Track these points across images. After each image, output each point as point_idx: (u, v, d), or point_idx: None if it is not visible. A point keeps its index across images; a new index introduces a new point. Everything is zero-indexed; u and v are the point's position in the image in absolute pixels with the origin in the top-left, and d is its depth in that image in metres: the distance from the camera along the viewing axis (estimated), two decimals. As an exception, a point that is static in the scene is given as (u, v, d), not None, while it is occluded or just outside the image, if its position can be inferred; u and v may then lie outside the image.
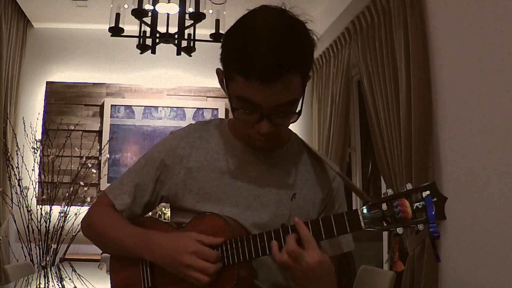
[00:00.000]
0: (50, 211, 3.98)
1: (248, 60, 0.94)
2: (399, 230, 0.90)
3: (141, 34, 3.04)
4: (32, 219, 3.92)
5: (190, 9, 2.98)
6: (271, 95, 0.95)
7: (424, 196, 0.90)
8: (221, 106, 4.48)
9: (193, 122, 1.23)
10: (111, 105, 4.42)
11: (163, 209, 3.84)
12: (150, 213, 1.26)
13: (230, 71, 0.99)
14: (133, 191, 1.15)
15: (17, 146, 4.08)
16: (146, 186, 1.15)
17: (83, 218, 1.21)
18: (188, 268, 0.98)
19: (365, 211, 0.92)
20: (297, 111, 1.02)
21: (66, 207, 4.05)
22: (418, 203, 0.90)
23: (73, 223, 4.05)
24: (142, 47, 3.07)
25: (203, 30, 3.21)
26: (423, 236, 2.50)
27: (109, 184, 4.41)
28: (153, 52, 3.09)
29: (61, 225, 3.99)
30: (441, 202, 0.90)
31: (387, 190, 0.92)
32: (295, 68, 0.96)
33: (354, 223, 0.92)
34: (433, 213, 0.88)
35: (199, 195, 1.10)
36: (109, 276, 1.19)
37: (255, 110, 0.99)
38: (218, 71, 1.08)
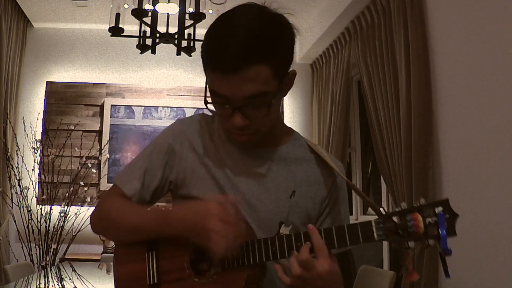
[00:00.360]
0: (50, 211, 3.98)
1: (214, 51, 0.96)
2: (411, 244, 0.91)
3: (141, 34, 3.04)
4: (32, 219, 3.92)
5: (190, 9, 2.98)
6: (235, 86, 0.95)
7: (437, 212, 0.91)
8: (221, 106, 4.48)
9: (205, 113, 1.23)
10: (111, 105, 4.42)
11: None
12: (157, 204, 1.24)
13: (204, 66, 1.01)
14: (143, 176, 1.14)
15: (17, 146, 4.09)
16: (155, 171, 1.14)
17: (92, 214, 1.18)
18: (211, 232, 0.95)
19: (378, 223, 0.94)
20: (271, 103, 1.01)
21: (66, 207, 4.05)
22: (430, 218, 0.91)
23: (73, 223, 4.05)
24: (142, 47, 3.06)
25: (203, 30, 3.16)
26: (423, 236, 2.50)
27: (109, 184, 4.39)
28: (153, 52, 3.09)
29: (61, 225, 3.99)
30: (452, 219, 0.91)
31: (401, 204, 0.93)
32: (261, 59, 0.95)
33: (367, 234, 0.94)
34: (445, 230, 0.89)
35: (205, 183, 1.11)
36: (109, 276, 1.18)
37: (226, 103, 0.99)
38: None
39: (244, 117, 0.99)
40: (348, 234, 0.94)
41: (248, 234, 1.04)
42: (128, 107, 4.44)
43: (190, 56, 3.23)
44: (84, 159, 4.28)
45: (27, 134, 4.22)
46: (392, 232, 0.92)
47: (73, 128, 4.32)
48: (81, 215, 4.05)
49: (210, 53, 0.97)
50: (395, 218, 0.93)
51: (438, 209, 0.91)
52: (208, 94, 1.04)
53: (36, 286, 2.31)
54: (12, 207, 3.91)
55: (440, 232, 0.89)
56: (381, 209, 0.95)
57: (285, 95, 1.09)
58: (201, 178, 1.11)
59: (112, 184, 1.20)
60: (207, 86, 1.03)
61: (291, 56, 1.03)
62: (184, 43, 3.17)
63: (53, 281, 2.48)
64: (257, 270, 1.04)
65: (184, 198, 1.13)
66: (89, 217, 1.21)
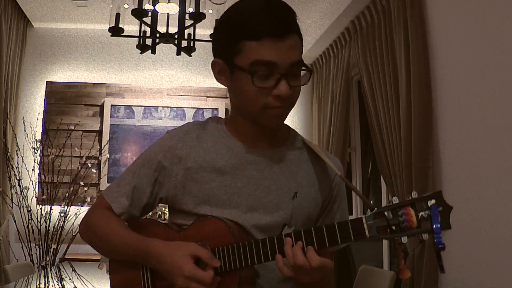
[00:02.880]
0: (50, 211, 3.98)
1: (257, 22, 0.99)
2: (404, 239, 0.89)
3: (141, 34, 3.04)
4: (32, 219, 3.92)
5: (190, 9, 2.98)
6: (284, 50, 1.00)
7: (429, 205, 0.89)
8: (221, 106, 4.48)
9: (196, 120, 1.22)
10: (111, 105, 4.42)
11: (163, 209, 3.84)
12: (150, 213, 1.25)
13: (238, 42, 1.01)
14: (131, 193, 1.13)
15: (17, 146, 4.08)
16: (144, 188, 1.13)
17: (81, 222, 1.20)
18: None
19: (369, 219, 0.91)
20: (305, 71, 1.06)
21: (66, 207, 4.05)
22: (423, 212, 0.89)
23: (73, 223, 4.04)
24: (142, 47, 3.06)
25: (203, 30, 3.20)
26: (423, 236, 2.50)
27: (108, 185, 4.39)
28: (153, 52, 3.09)
29: (61, 225, 3.99)
30: (446, 212, 0.89)
31: (392, 198, 0.91)
32: (295, 29, 1.03)
33: (358, 232, 0.92)
34: (438, 223, 0.87)
35: (198, 197, 1.09)
36: (109, 276, 1.19)
37: (272, 72, 1.00)
38: (214, 62, 1.09)
39: (289, 85, 1.02)
40: (339, 232, 0.93)
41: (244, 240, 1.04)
42: (128, 107, 4.44)
43: (190, 56, 3.23)
44: (84, 159, 4.28)
45: (27, 134, 4.22)
46: (384, 228, 0.91)
47: (73, 128, 4.32)
48: (81, 215, 4.04)
49: (252, 25, 1.00)
50: (387, 214, 0.91)
51: (431, 202, 0.89)
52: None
53: (36, 286, 2.30)
54: (12, 207, 3.90)
55: (433, 225, 0.87)
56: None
57: None
58: (193, 195, 1.09)
59: (108, 185, 1.21)
60: (240, 63, 1.02)
61: None
62: (184, 43, 3.17)
63: (53, 281, 2.48)
64: (251, 271, 1.04)
65: (180, 212, 1.13)
66: (78, 226, 1.22)
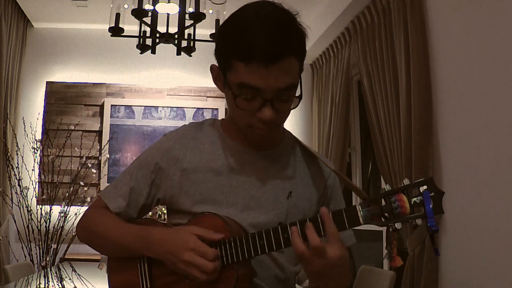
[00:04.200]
0: (50, 211, 3.98)
1: (248, 44, 0.95)
2: (398, 225, 0.91)
3: (141, 34, 3.04)
4: (32, 219, 3.92)
5: (190, 9, 2.98)
6: (272, 78, 0.96)
7: (421, 191, 0.90)
8: (221, 106, 4.48)
9: (193, 122, 1.23)
10: (111, 105, 4.42)
11: (163, 209, 3.84)
12: (150, 213, 1.26)
13: (230, 59, 0.99)
14: (128, 194, 1.14)
15: (17, 146, 4.08)
16: (141, 189, 1.14)
17: (78, 222, 1.21)
18: (186, 264, 0.98)
19: (363, 206, 0.93)
20: (296, 95, 1.03)
21: (66, 207, 4.05)
22: (415, 198, 0.91)
23: (73, 223, 4.04)
24: (142, 47, 3.06)
25: (203, 30, 3.21)
26: (422, 236, 2.51)
27: (108, 185, 4.37)
28: (153, 52, 3.09)
29: (61, 225, 3.99)
30: (438, 197, 0.91)
31: (385, 186, 0.93)
32: (293, 51, 0.97)
33: (352, 219, 0.93)
34: (430, 207, 0.89)
35: (195, 196, 1.10)
36: (107, 276, 1.19)
37: (257, 96, 0.98)
38: (213, 67, 1.09)
39: (273, 110, 0.99)
40: (334, 220, 0.93)
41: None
42: (128, 107, 4.44)
43: (190, 56, 3.23)
44: (84, 159, 4.28)
45: (27, 134, 4.22)
46: (378, 215, 0.92)
47: (73, 128, 4.32)
48: (81, 215, 4.03)
49: (242, 46, 0.96)
50: (380, 201, 0.92)
51: (423, 188, 0.90)
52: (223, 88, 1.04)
53: (36, 286, 2.31)
54: (12, 207, 3.91)
55: (426, 209, 0.89)
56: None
57: None
58: (190, 195, 1.10)
59: (107, 185, 1.21)
60: (229, 80, 1.01)
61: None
62: (184, 43, 3.17)
63: (53, 281, 2.48)
64: (249, 268, 1.04)
65: (177, 212, 1.14)
66: (75, 227, 1.23)
